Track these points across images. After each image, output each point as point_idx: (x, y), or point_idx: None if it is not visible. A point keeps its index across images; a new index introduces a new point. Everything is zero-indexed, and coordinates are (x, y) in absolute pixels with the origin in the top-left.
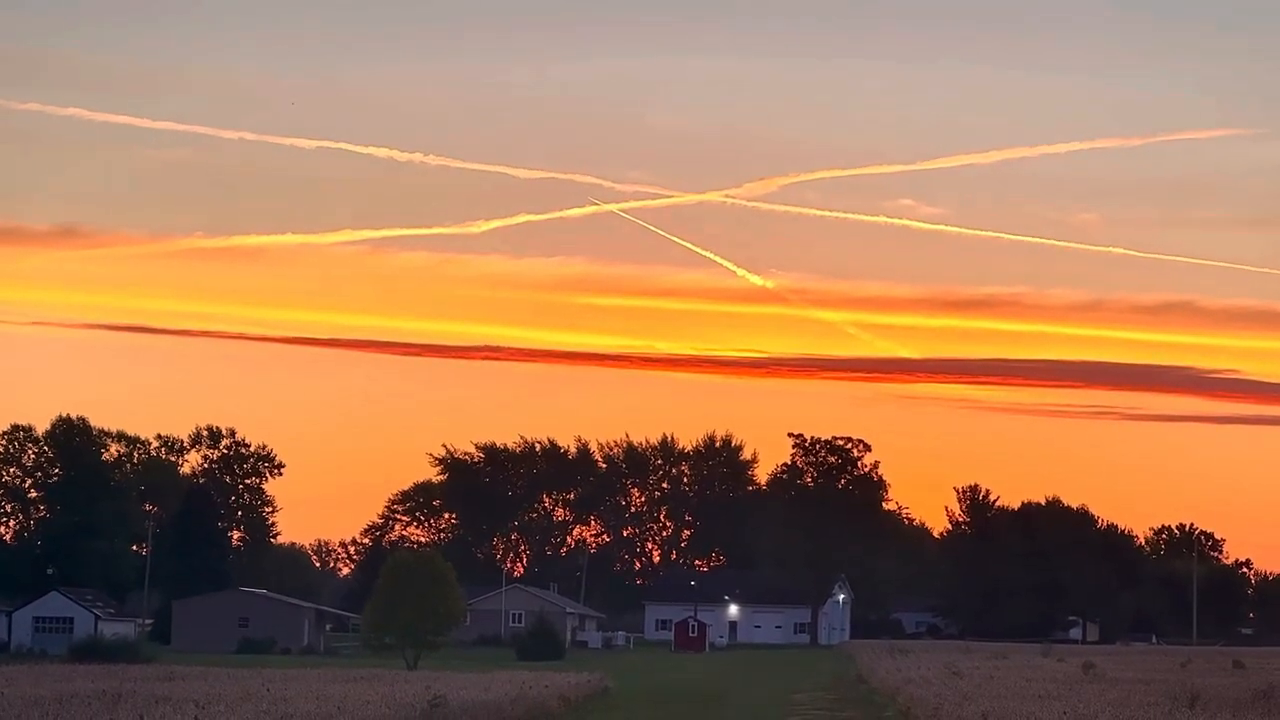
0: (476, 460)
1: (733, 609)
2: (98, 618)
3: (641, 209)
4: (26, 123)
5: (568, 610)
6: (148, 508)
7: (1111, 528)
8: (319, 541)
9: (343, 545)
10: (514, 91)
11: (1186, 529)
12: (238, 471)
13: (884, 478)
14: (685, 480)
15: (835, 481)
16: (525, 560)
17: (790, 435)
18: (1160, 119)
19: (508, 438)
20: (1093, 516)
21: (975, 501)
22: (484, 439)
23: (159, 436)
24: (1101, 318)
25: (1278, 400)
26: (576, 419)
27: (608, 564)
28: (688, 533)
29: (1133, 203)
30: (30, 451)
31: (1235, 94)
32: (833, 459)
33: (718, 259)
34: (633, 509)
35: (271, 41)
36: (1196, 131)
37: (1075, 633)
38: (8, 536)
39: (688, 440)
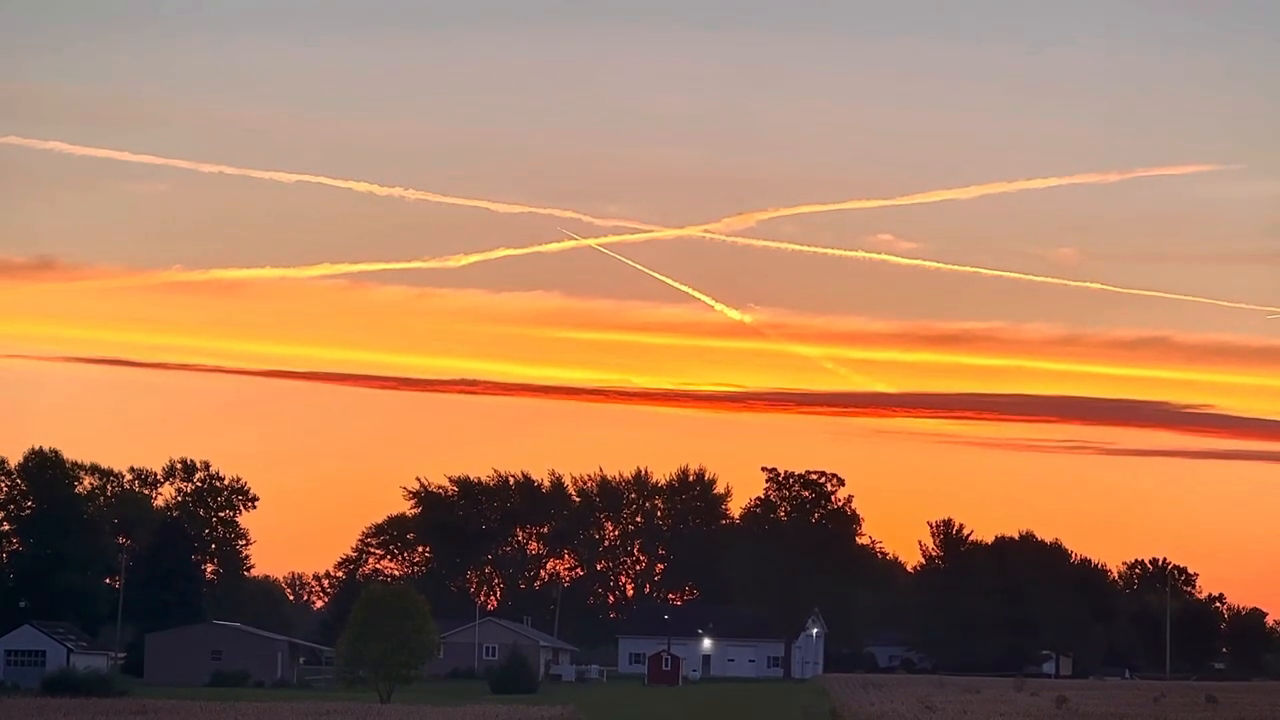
0: (450, 494)
1: (706, 643)
2: (70, 651)
3: (619, 244)
4: (5, 156)
5: (541, 644)
6: (121, 541)
7: (1085, 562)
8: (293, 574)
9: (316, 578)
10: (493, 126)
11: (1160, 563)
12: (211, 505)
13: (857, 512)
14: (659, 514)
15: (809, 516)
16: (499, 594)
17: (764, 469)
18: (1138, 155)
19: (482, 471)
20: (1066, 551)
21: (949, 536)
22: (458, 472)
23: (132, 469)
24: (1077, 353)
25: (1252, 435)
26: (551, 453)
27: (581, 597)
28: (661, 566)
29: (1110, 238)
30: (2, 484)
31: (1212, 130)
32: (806, 493)
33: (695, 293)
34: (606, 543)
35: (251, 76)
36: (1174, 167)
37: (1049, 667)
38: None
39: (661, 474)
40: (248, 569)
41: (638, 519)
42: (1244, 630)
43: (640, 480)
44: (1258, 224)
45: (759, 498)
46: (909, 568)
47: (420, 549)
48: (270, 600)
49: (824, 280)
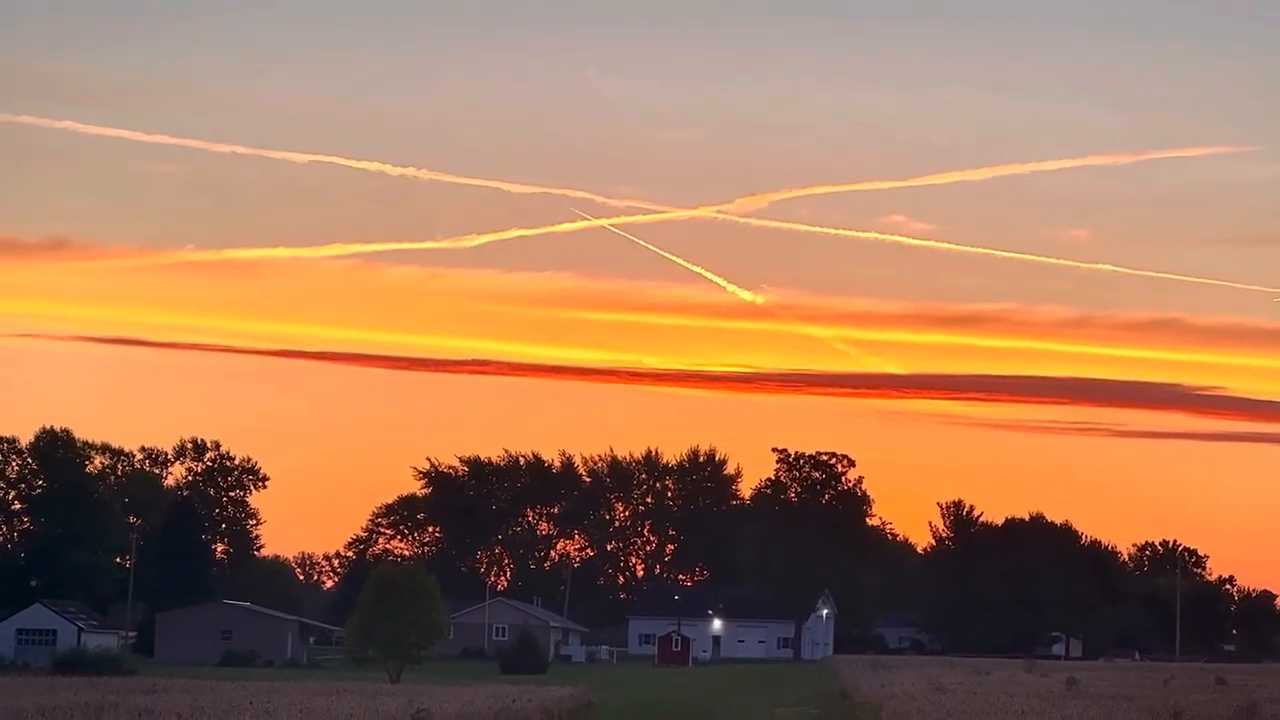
0: (461, 474)
1: (716, 623)
2: (81, 630)
3: (632, 224)
4: (19, 135)
5: (551, 624)
6: (131, 520)
7: (1095, 544)
8: (303, 554)
9: (326, 558)
10: (506, 106)
11: (1170, 545)
12: (221, 484)
13: (868, 493)
14: (669, 494)
15: (819, 496)
16: (509, 574)
17: (774, 450)
18: (1150, 136)
19: (492, 451)
20: (1076, 533)
21: (959, 517)
22: (469, 452)
23: (143, 449)
24: (1089, 334)
25: (1264, 417)
26: (562, 433)
27: (591, 578)
28: (671, 547)
29: (1122, 220)
30: (14, 463)
31: (1225, 112)
32: (816, 474)
33: (708, 274)
34: (616, 523)
35: (265, 56)
36: (1186, 149)
37: (1058, 648)
38: None
39: (672, 455)
40: (258, 549)
41: (648, 499)
42: (1254, 612)
43: (651, 461)
44: (1271, 206)
45: (769, 478)
46: (919, 549)
47: (430, 529)
48: (280, 580)
49: (836, 261)
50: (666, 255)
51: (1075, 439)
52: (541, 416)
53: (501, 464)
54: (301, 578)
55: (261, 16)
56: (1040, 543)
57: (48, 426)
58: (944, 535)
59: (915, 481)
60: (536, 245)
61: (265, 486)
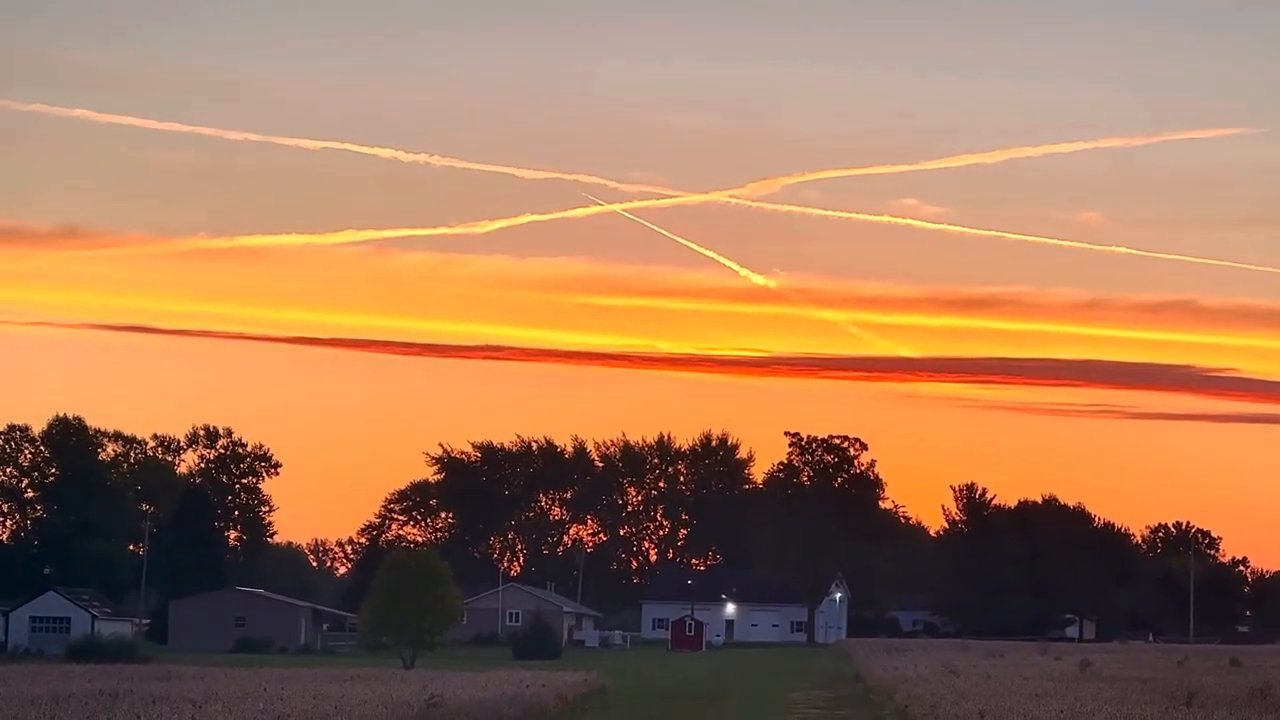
0: (473, 459)
1: (729, 608)
2: (95, 617)
3: (645, 209)
4: (31, 123)
5: (564, 609)
6: (144, 508)
7: (1108, 526)
8: (316, 541)
9: (340, 545)
10: (518, 92)
11: (1183, 527)
12: (234, 471)
13: (880, 476)
14: (682, 479)
15: (832, 480)
16: (522, 559)
17: (787, 434)
18: (1162, 118)
19: (505, 437)
20: (1089, 515)
21: (972, 500)
22: (481, 438)
23: (155, 436)
24: (1102, 317)
25: (1277, 399)
26: (574, 418)
27: (604, 563)
28: (684, 532)
29: (1134, 202)
30: (26, 451)
31: (1237, 94)
32: (829, 458)
33: (720, 259)
34: (629, 508)
35: (276, 42)
36: (1198, 131)
37: (1072, 631)
38: (4, 536)
39: (685, 439)
40: (271, 535)
41: (661, 484)
42: (1267, 593)
43: (663, 445)
44: None
45: (782, 462)
46: (932, 532)
47: (443, 515)
48: (293, 567)
49: (848, 245)
50: (679, 240)
51: (1088, 421)
52: (554, 401)
53: (514, 449)
54: (315, 564)
55: (274, 3)
56: (1053, 525)
57: (60, 414)
58: (957, 518)
59: (928, 464)
60: (549, 231)
61: (278, 473)
